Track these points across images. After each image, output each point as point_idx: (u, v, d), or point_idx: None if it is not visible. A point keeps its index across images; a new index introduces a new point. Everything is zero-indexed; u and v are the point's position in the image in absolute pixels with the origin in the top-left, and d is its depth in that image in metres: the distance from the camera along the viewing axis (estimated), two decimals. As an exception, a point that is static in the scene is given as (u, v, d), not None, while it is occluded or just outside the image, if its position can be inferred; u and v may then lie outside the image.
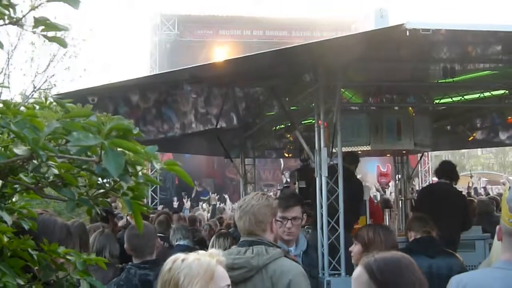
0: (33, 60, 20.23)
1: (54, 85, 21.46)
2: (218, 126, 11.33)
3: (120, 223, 9.92)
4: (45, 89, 21.72)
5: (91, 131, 1.50)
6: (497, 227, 2.97)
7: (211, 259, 2.41)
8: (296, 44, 6.36)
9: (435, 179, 9.81)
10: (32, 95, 21.31)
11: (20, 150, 1.48)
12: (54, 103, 2.10)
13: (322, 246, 7.28)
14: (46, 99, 2.16)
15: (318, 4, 56.82)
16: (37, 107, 2.10)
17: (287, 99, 9.34)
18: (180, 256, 2.44)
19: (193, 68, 7.58)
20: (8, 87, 18.74)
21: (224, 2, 47.05)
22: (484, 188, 19.44)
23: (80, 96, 7.62)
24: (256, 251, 3.71)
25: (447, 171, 8.59)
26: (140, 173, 1.63)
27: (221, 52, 24.29)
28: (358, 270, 2.60)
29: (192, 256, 2.42)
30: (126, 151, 1.54)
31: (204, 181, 26.77)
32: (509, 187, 2.94)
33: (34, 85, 20.71)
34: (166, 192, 24.01)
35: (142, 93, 9.00)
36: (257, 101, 10.61)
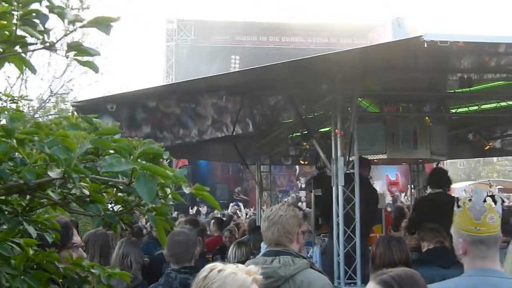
0: (50, 65, 20.33)
1: (71, 89, 21.59)
2: (235, 133, 11.34)
3: None
4: (62, 94, 21.83)
5: (122, 154, 1.54)
6: (459, 240, 3.05)
7: (248, 276, 2.32)
8: (313, 55, 6.36)
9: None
10: (49, 100, 21.46)
11: (54, 173, 1.52)
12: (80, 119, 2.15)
13: (338, 255, 7.30)
14: (72, 114, 2.20)
15: (334, 11, 56.91)
16: (64, 122, 2.14)
17: (303, 107, 9.36)
18: (218, 266, 2.36)
19: (211, 78, 7.64)
20: (32, 100, 18.72)
21: (241, 8, 47.31)
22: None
23: (99, 104, 7.72)
24: (283, 261, 3.71)
25: (439, 180, 8.58)
26: (169, 195, 1.67)
27: (237, 58, 24.38)
28: (372, 287, 2.43)
29: (229, 269, 2.33)
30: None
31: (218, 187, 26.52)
32: (469, 199, 3.01)
33: (51, 90, 20.82)
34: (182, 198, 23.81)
35: (160, 100, 9.05)
36: (274, 108, 10.63)
